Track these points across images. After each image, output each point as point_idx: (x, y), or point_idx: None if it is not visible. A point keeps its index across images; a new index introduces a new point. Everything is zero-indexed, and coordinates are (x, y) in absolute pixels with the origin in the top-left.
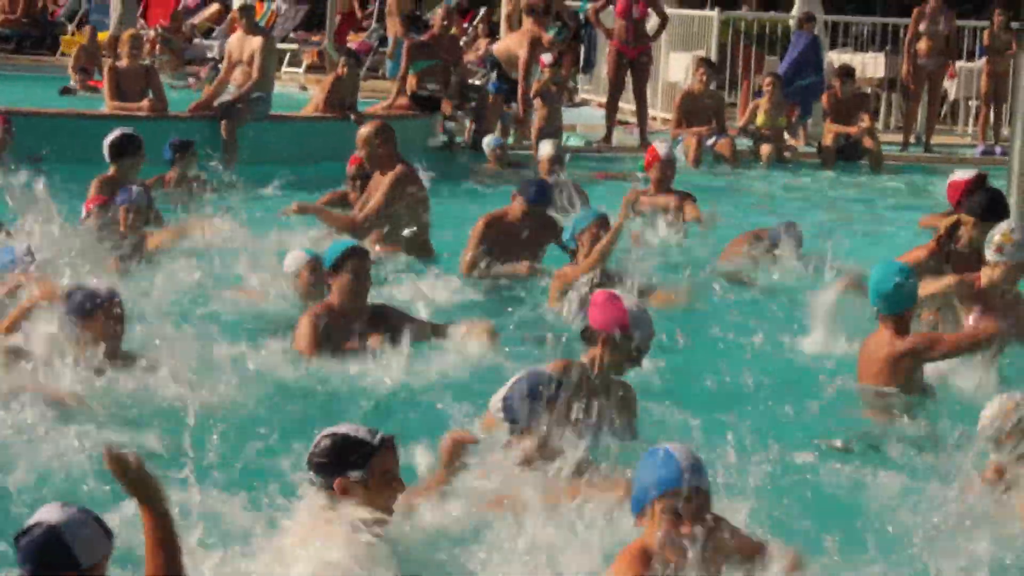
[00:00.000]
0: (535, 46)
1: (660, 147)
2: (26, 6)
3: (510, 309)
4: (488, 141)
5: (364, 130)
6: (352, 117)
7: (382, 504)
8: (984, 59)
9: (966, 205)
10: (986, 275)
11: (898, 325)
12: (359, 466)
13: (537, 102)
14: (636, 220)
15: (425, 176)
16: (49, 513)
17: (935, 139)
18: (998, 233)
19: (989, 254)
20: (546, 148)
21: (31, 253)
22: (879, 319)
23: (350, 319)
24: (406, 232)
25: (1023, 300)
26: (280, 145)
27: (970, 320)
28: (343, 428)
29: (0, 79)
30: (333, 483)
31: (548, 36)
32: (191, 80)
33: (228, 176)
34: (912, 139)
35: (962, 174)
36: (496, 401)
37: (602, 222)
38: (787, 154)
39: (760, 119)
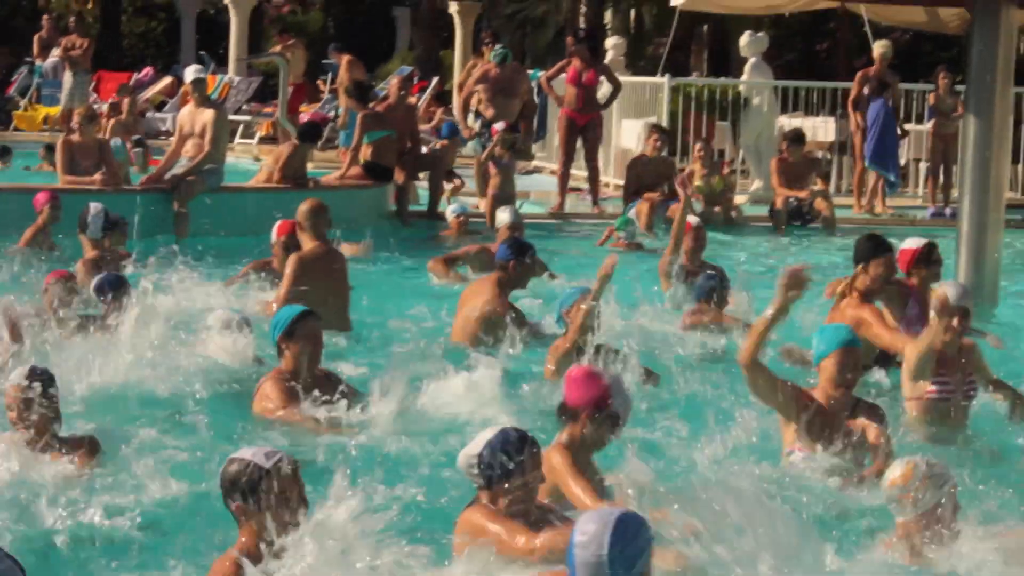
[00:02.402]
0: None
1: (691, 217)
2: None
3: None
4: (452, 208)
5: (307, 206)
6: (311, 185)
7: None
8: (932, 122)
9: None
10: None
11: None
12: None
13: (490, 168)
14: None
15: (365, 246)
16: None
17: (888, 201)
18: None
19: (933, 315)
20: (504, 215)
21: None
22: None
23: (306, 385)
24: None
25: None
26: (234, 216)
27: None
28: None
29: None
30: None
31: (493, 63)
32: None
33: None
34: (863, 202)
35: (912, 243)
36: (467, 457)
37: (587, 298)
38: (733, 214)
39: (697, 183)
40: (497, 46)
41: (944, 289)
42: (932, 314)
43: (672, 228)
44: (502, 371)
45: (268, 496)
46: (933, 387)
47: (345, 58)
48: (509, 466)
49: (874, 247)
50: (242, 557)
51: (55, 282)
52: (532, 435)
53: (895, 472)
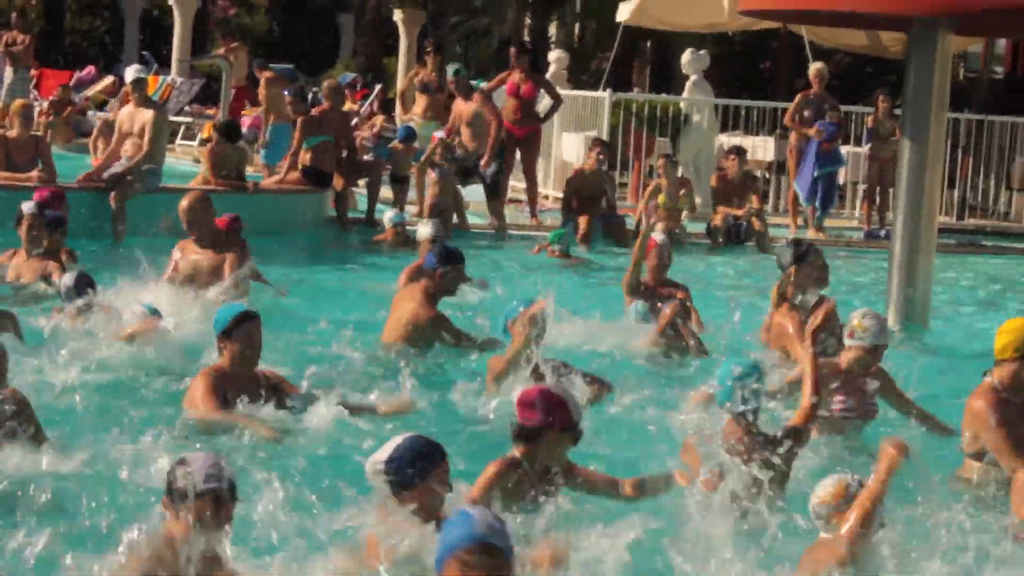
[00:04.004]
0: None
1: (656, 234)
2: None
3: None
4: (389, 216)
5: (187, 202)
6: (251, 188)
7: None
8: (869, 144)
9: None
10: (846, 358)
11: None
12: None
13: (430, 177)
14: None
15: None
16: None
17: (826, 222)
18: (855, 318)
19: (846, 338)
20: (425, 229)
21: None
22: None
23: (240, 384)
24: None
25: (884, 375)
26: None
27: (834, 401)
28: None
29: None
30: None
31: (450, 77)
32: None
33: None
34: (800, 221)
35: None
36: (374, 464)
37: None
38: (676, 231)
39: (661, 199)
40: (456, 65)
41: (859, 320)
42: (846, 340)
43: (635, 246)
44: (430, 380)
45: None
46: (835, 406)
47: (265, 74)
48: (414, 474)
49: (801, 251)
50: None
51: None
52: (440, 444)
53: (826, 490)
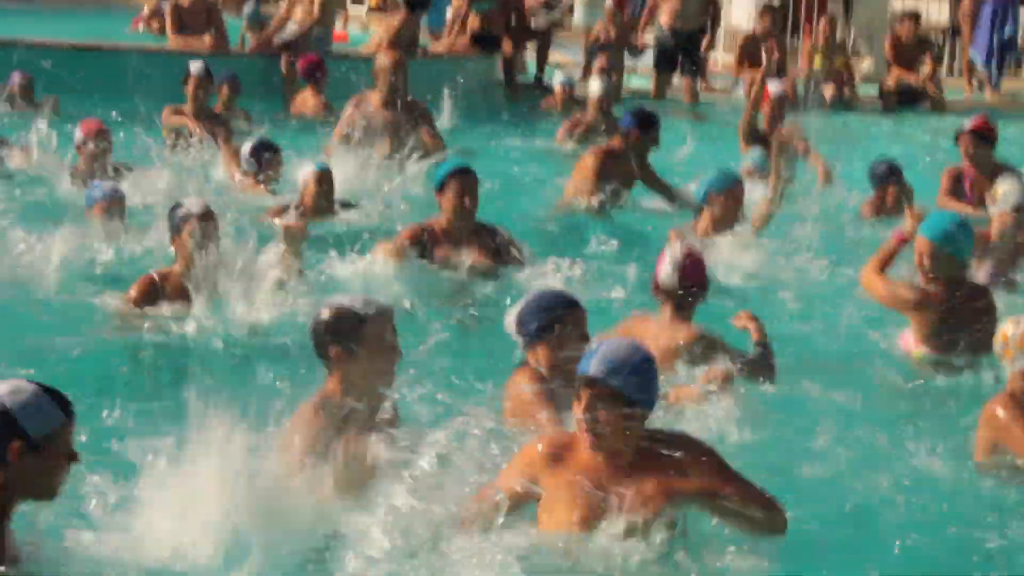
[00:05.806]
0: None
1: (771, 85)
2: None
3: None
4: (559, 78)
5: (388, 60)
6: (420, 54)
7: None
8: None
9: None
10: (994, 227)
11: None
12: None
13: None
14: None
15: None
16: None
17: (1004, 84)
18: (997, 185)
19: (989, 206)
20: (596, 85)
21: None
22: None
23: (453, 235)
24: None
25: None
26: (338, 82)
27: (980, 274)
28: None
29: (67, 15)
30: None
31: None
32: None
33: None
34: (975, 84)
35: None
36: (509, 321)
37: (739, 188)
38: (846, 91)
39: (817, 62)
40: None
41: (999, 186)
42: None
43: (752, 91)
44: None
45: (365, 342)
46: (983, 273)
47: None
48: (541, 327)
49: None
50: (324, 401)
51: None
52: (570, 295)
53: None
